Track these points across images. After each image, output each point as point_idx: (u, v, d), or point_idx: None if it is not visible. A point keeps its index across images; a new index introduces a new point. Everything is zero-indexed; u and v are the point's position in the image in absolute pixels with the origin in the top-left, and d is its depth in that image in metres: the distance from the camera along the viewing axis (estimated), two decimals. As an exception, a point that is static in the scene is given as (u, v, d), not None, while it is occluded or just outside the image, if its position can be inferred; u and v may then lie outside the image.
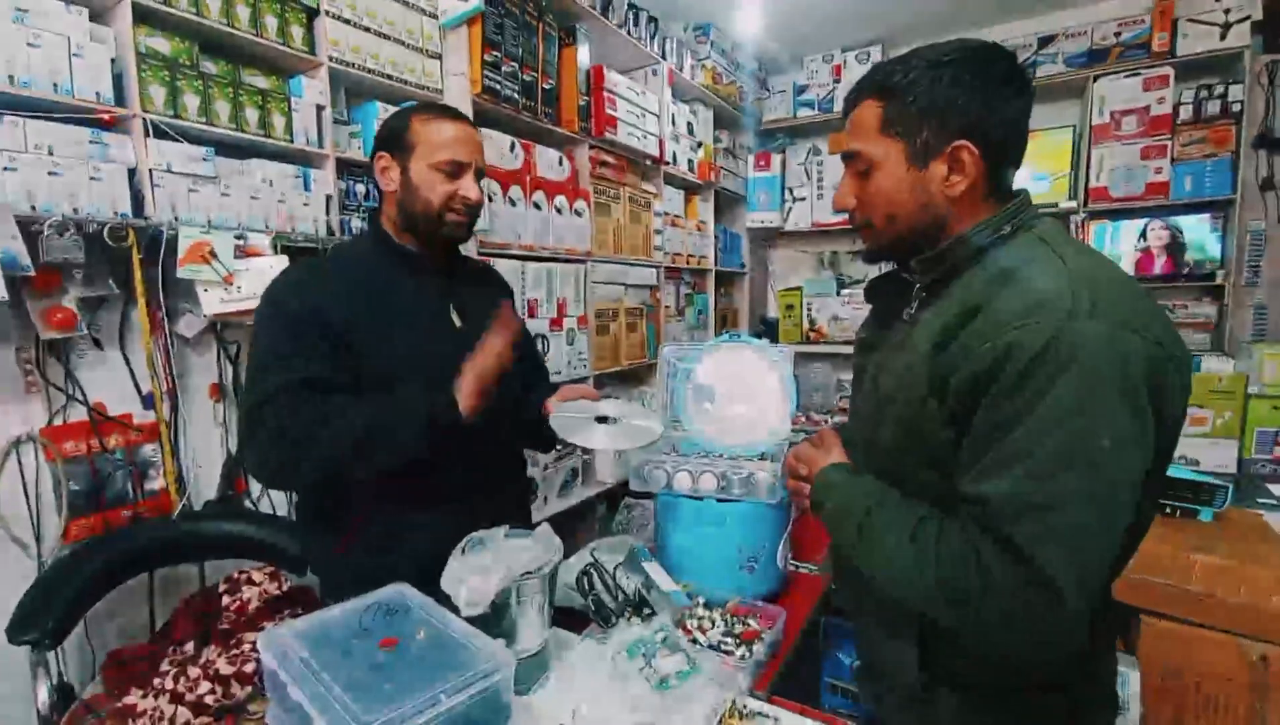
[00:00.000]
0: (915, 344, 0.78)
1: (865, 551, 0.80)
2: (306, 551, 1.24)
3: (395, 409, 1.00)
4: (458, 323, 1.17)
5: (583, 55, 2.22)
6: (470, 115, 1.86)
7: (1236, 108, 2.32)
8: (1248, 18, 2.27)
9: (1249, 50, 2.29)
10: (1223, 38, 2.31)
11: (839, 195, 0.87)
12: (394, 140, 1.13)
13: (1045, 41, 2.68)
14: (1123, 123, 2.49)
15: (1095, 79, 2.53)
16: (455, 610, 0.87)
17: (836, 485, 0.87)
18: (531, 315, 2.04)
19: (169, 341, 1.45)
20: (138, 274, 1.35)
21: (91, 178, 1.27)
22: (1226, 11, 2.29)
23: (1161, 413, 0.68)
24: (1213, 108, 2.36)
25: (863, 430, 0.89)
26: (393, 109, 1.80)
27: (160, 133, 1.36)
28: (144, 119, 1.33)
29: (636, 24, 2.50)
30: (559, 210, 2.15)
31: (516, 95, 1.99)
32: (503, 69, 1.93)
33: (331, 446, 0.96)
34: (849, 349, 3.11)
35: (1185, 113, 2.41)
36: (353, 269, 1.12)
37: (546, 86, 2.10)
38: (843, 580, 0.99)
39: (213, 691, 1.14)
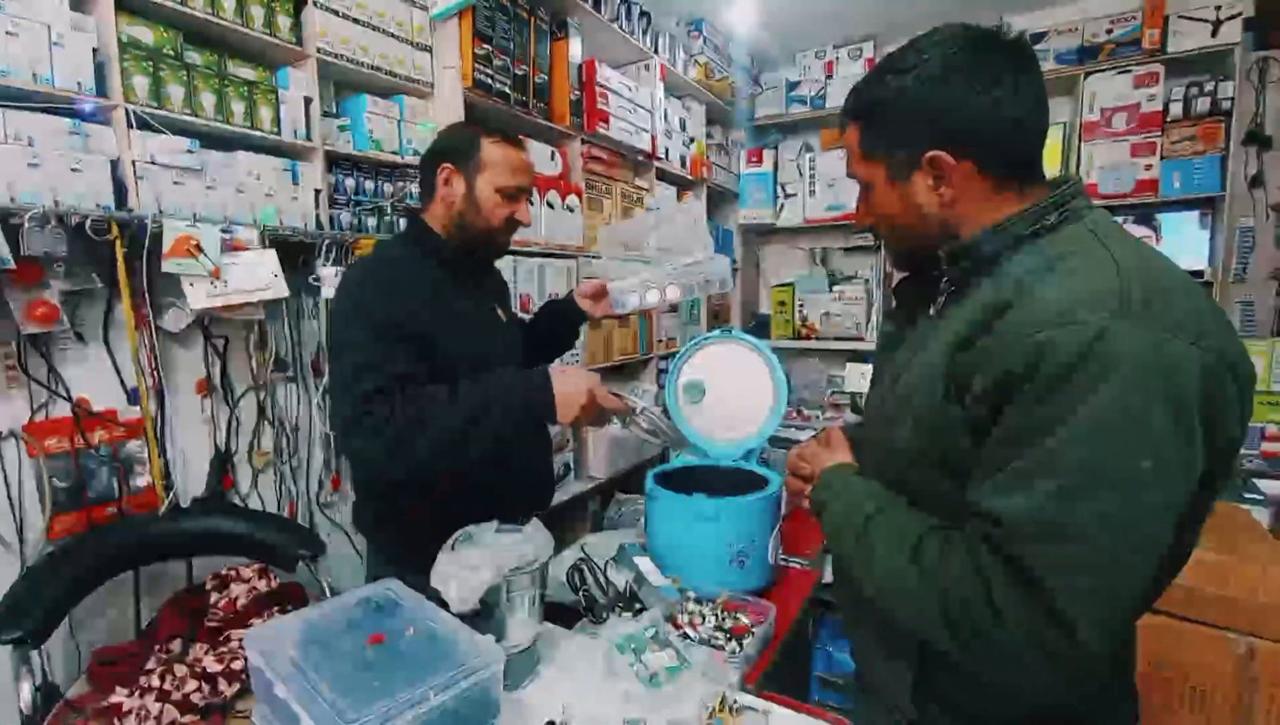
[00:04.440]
0: (938, 340, 0.73)
1: (862, 563, 0.75)
2: (367, 531, 1.31)
3: (495, 401, 1.04)
4: (503, 317, 1.32)
5: (575, 49, 2.21)
6: (461, 109, 1.86)
7: (1226, 105, 2.33)
8: (1239, 14, 2.28)
9: (1240, 47, 2.30)
10: (1214, 34, 2.32)
11: (856, 214, 0.87)
12: (461, 155, 1.19)
13: (1037, 38, 2.68)
14: (1113, 120, 2.49)
15: (1086, 76, 2.53)
16: (446, 605, 0.86)
17: (838, 487, 0.82)
18: (524, 309, 2.03)
19: (154, 336, 1.43)
20: (121, 268, 1.33)
21: (72, 169, 1.25)
22: (1218, 8, 2.30)
23: (1214, 432, 0.60)
24: (1202, 105, 2.37)
25: (878, 430, 0.83)
26: (386, 103, 1.80)
27: (144, 124, 1.34)
28: (126, 110, 1.31)
29: (629, 18, 2.48)
30: (550, 205, 2.13)
31: (508, 89, 1.97)
32: (494, 62, 1.92)
33: (435, 436, 1.01)
34: (840, 345, 3.14)
35: (1175, 110, 2.42)
36: (412, 273, 1.16)
37: (538, 81, 2.09)
38: (842, 588, 0.94)
39: (200, 689, 1.13)
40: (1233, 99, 2.32)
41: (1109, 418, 0.57)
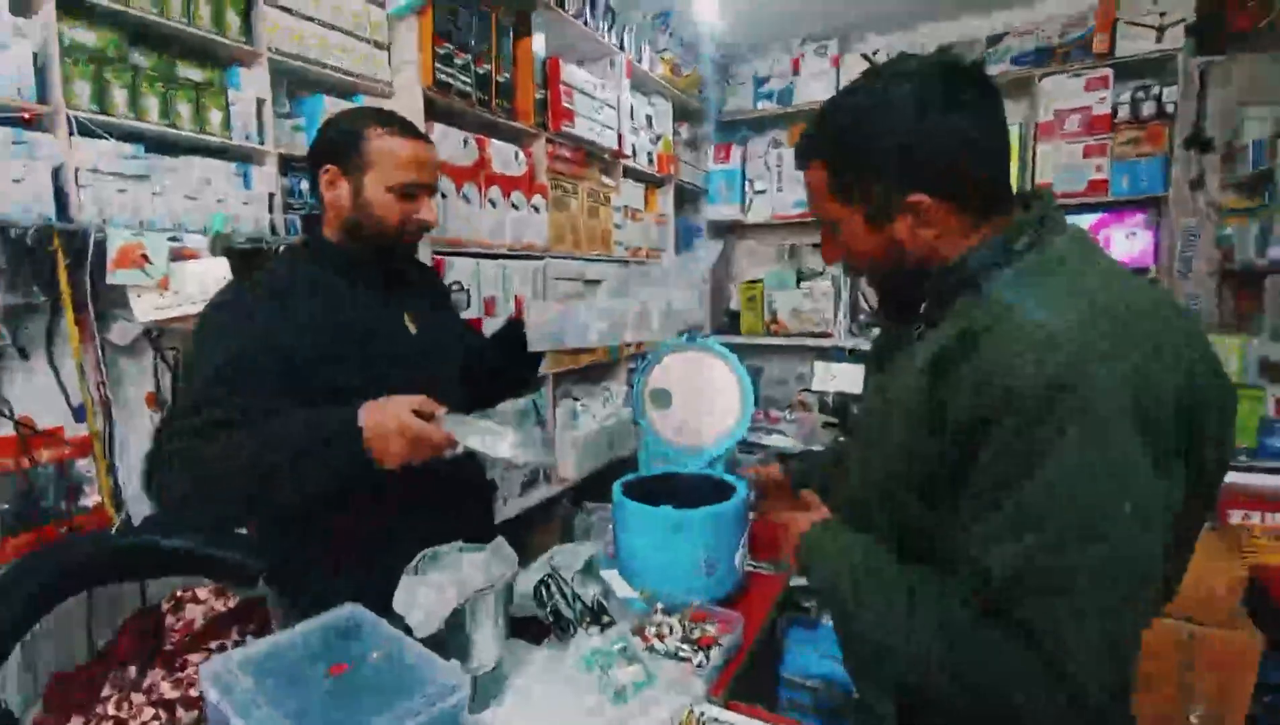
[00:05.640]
0: (914, 366, 0.73)
1: (859, 624, 0.75)
2: (270, 576, 1.19)
3: (296, 447, 0.90)
4: (413, 329, 1.14)
5: (538, 46, 2.18)
6: (421, 109, 1.81)
7: (1170, 108, 2.42)
8: (1182, 20, 2.36)
9: (1182, 53, 2.39)
10: (1158, 40, 2.41)
11: (824, 252, 0.84)
12: (344, 153, 1.05)
13: (995, 40, 2.74)
14: (1066, 121, 2.57)
15: (1041, 78, 2.60)
16: (410, 630, 0.85)
17: (819, 550, 0.82)
18: (489, 313, 2.01)
19: (100, 350, 1.38)
20: (64, 280, 1.27)
21: (14, 180, 1.19)
22: (1162, 14, 2.38)
23: (1191, 462, 0.60)
24: (1149, 108, 2.47)
25: (860, 447, 0.85)
26: (342, 103, 1.75)
27: (86, 130, 1.28)
28: (68, 115, 1.26)
29: (594, 14, 2.45)
30: (515, 206, 2.11)
31: (470, 88, 1.94)
32: (455, 61, 1.88)
33: (229, 490, 0.91)
34: (810, 341, 3.18)
35: (1123, 112, 2.51)
36: (301, 286, 1.05)
37: (501, 79, 2.05)
38: (835, 618, 0.96)
39: (157, 717, 1.11)
40: (1176, 103, 2.40)
41: (1084, 462, 0.57)
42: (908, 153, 0.69)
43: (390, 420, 0.88)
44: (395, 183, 1.04)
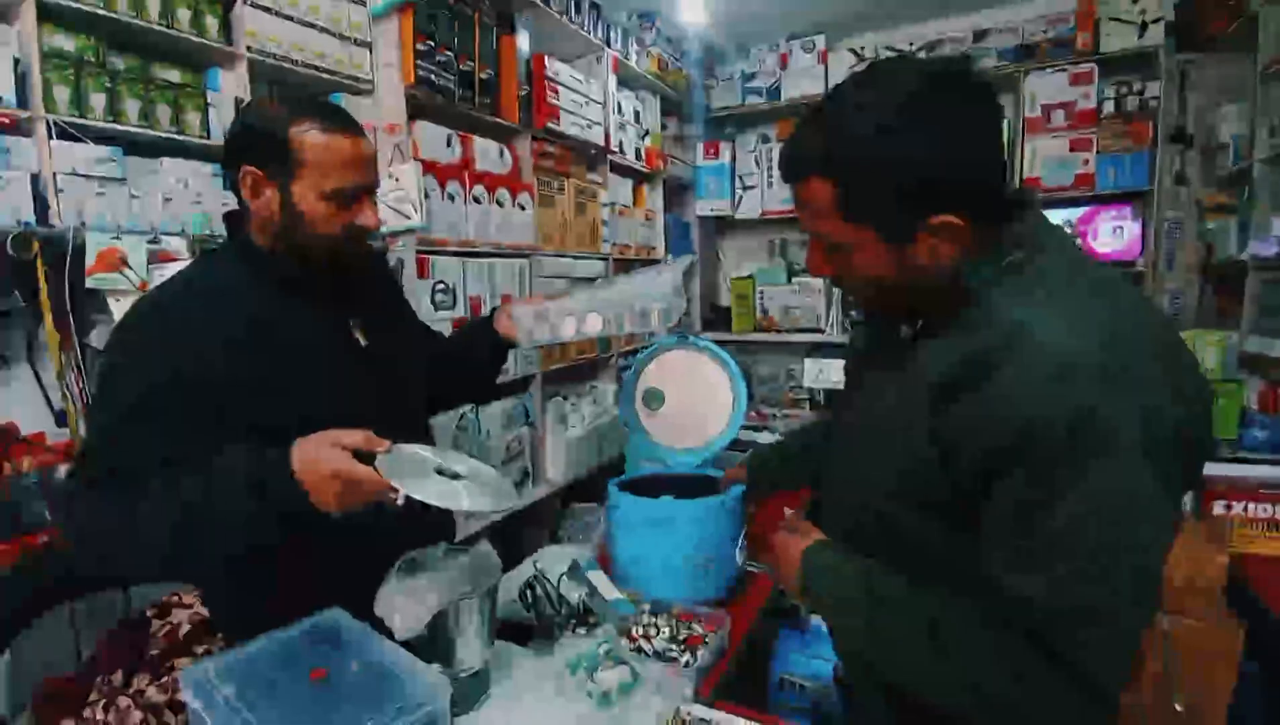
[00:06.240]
0: (913, 381, 0.71)
1: (877, 653, 0.75)
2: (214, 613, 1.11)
3: (218, 497, 0.80)
4: (363, 341, 1.02)
5: (522, 43, 2.17)
6: (404, 108, 1.80)
7: (1153, 104, 2.44)
8: (1161, 18, 2.38)
9: (1163, 49, 2.40)
10: (1140, 36, 2.42)
11: (812, 266, 0.78)
12: (267, 153, 0.89)
13: (980, 36, 2.75)
14: (1052, 116, 2.58)
15: (1026, 74, 2.61)
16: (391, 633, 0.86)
17: (825, 576, 0.79)
18: (474, 313, 2.01)
19: (80, 355, 1.37)
20: (43, 285, 1.26)
21: (-4, 187, 1.18)
22: (1143, 11, 2.40)
23: (1186, 479, 0.64)
24: (1132, 103, 2.48)
25: (850, 455, 0.83)
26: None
27: (64, 134, 1.27)
28: (47, 121, 1.25)
29: (578, 11, 2.44)
30: (500, 204, 2.10)
31: (453, 86, 1.92)
32: (437, 58, 1.87)
33: (144, 549, 0.83)
34: (801, 337, 3.18)
35: (1108, 107, 2.52)
36: (226, 303, 0.91)
37: (485, 76, 2.04)
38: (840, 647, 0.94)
39: (145, 721, 1.10)
40: (1158, 98, 2.42)
41: (1112, 492, 0.59)
42: (934, 173, 0.66)
43: (322, 465, 0.79)
44: (331, 188, 0.89)
